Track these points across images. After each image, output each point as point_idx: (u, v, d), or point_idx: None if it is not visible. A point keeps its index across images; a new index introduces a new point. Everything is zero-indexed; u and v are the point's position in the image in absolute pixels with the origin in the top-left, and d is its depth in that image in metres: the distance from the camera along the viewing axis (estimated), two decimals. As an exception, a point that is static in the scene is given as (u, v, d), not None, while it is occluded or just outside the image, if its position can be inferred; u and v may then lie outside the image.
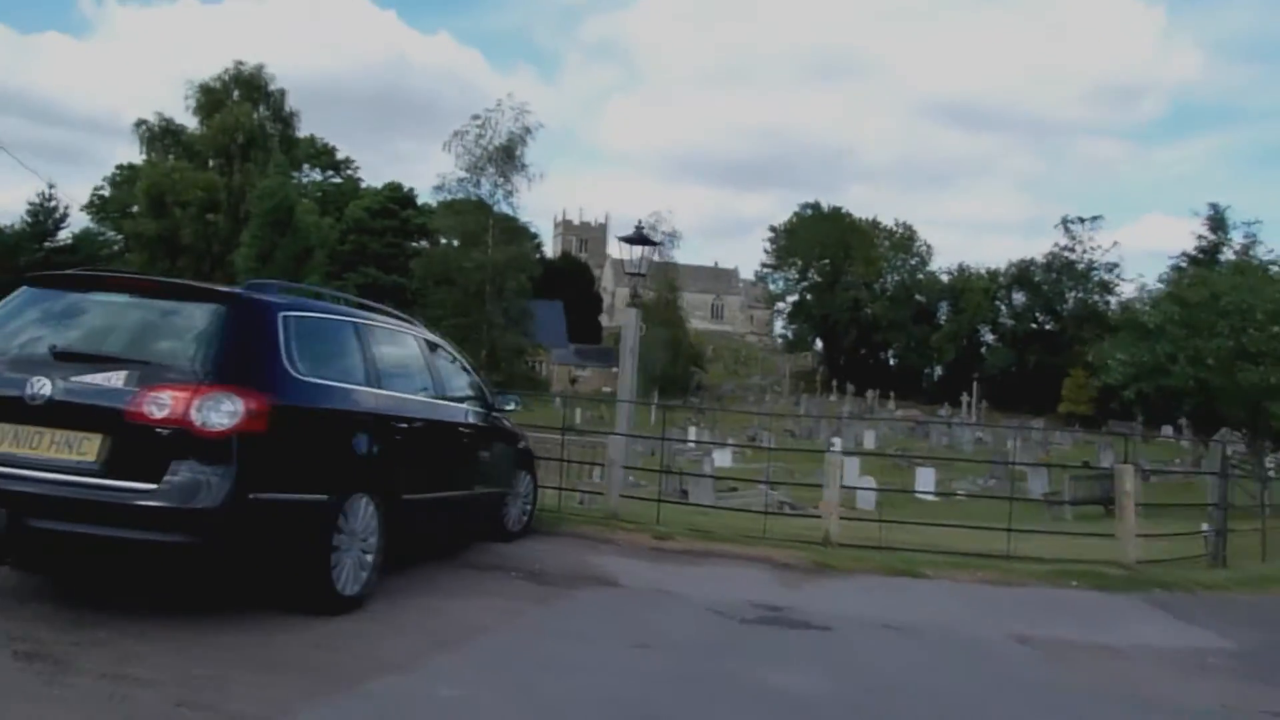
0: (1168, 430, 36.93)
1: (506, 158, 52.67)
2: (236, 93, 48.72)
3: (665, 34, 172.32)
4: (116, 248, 58.84)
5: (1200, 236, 56.45)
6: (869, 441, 46.25)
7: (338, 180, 79.04)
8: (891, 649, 5.90)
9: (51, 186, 48.39)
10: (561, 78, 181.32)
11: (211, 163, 46.85)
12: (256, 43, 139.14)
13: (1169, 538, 12.84)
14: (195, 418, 4.61)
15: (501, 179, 53.15)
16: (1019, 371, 68.30)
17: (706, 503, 21.57)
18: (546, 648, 5.21)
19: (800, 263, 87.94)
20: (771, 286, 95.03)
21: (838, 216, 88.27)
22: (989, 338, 75.12)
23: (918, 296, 78.99)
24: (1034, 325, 70.87)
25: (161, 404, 4.59)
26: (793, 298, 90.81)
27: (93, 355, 4.83)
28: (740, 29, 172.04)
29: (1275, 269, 25.68)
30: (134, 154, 51.29)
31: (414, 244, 67.46)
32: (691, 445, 39.84)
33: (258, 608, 5.24)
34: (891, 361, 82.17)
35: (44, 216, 57.38)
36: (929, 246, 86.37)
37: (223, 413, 4.66)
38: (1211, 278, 22.03)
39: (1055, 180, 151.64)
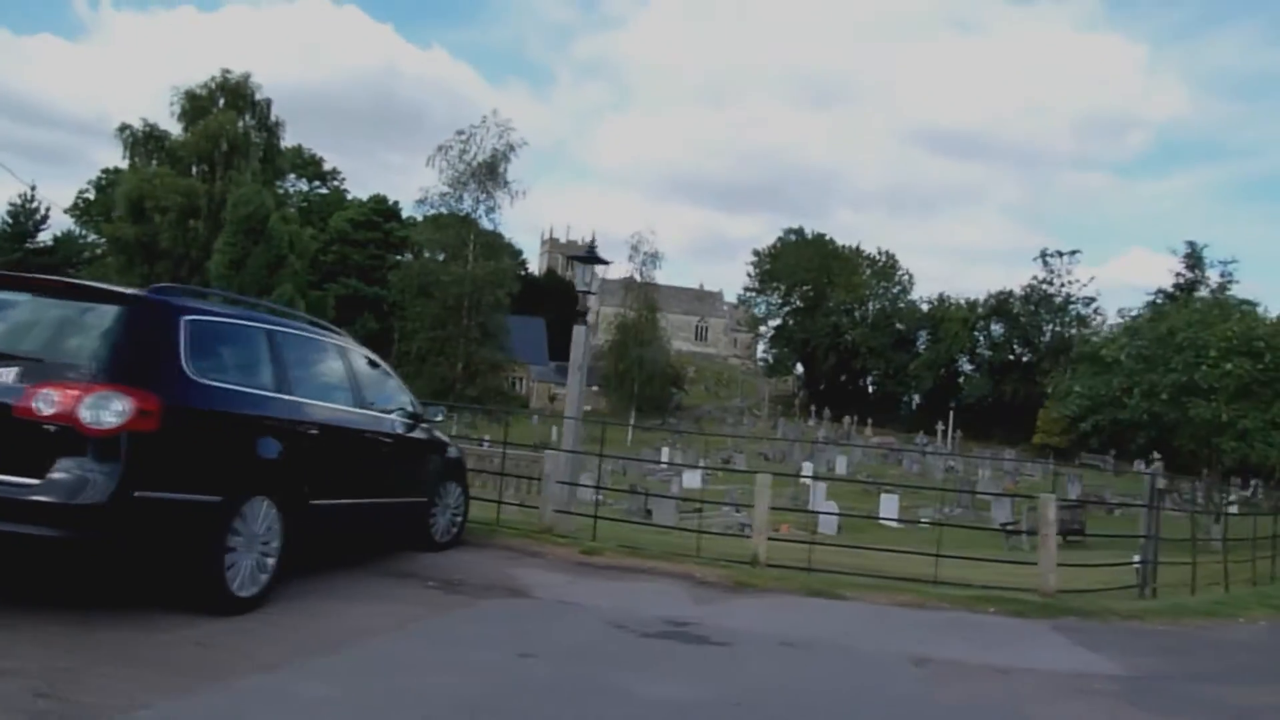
0: (1139, 464, 37.43)
1: (489, 174, 53.01)
2: (222, 101, 48.84)
3: (657, 54, 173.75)
4: (99, 251, 58.77)
5: (1178, 274, 57.15)
6: (841, 467, 46.41)
7: (323, 191, 79.11)
8: (780, 664, 6.00)
9: (33, 188, 48.31)
10: (553, 95, 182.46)
11: (194, 170, 46.86)
12: (252, 52, 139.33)
13: (1110, 567, 13.12)
14: (83, 415, 4.71)
15: (484, 195, 53.48)
16: (995, 402, 68.72)
17: (669, 523, 21.66)
18: (427, 653, 5.30)
19: (783, 287, 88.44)
20: (755, 310, 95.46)
21: (821, 242, 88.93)
22: (967, 367, 75.60)
23: (898, 325, 79.50)
24: (1011, 356, 71.41)
25: (50, 401, 4.69)
26: (775, 322, 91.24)
27: (-15, 352, 4.93)
28: (732, 52, 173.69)
29: (1250, 307, 25.99)
30: (120, 158, 51.33)
31: (397, 257, 67.52)
32: (663, 466, 39.97)
33: (150, 605, 5.33)
34: (870, 388, 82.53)
35: (24, 218, 57.34)
36: (910, 275, 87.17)
37: (111, 411, 4.76)
38: (1169, 313, 22.38)
39: (1041, 211, 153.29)
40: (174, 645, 4.78)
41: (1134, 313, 29.47)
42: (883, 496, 29.81)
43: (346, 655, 5.02)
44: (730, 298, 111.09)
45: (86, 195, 71.52)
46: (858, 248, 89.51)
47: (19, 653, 4.25)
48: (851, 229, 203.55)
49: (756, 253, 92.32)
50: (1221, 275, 51.81)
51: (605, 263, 12.70)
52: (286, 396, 6.04)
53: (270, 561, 5.76)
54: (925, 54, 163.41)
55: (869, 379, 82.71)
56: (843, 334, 79.76)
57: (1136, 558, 11.64)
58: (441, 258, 55.60)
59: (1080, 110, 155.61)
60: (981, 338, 74.57)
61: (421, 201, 56.58)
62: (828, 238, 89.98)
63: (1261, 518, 17.40)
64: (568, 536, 10.15)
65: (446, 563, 8.15)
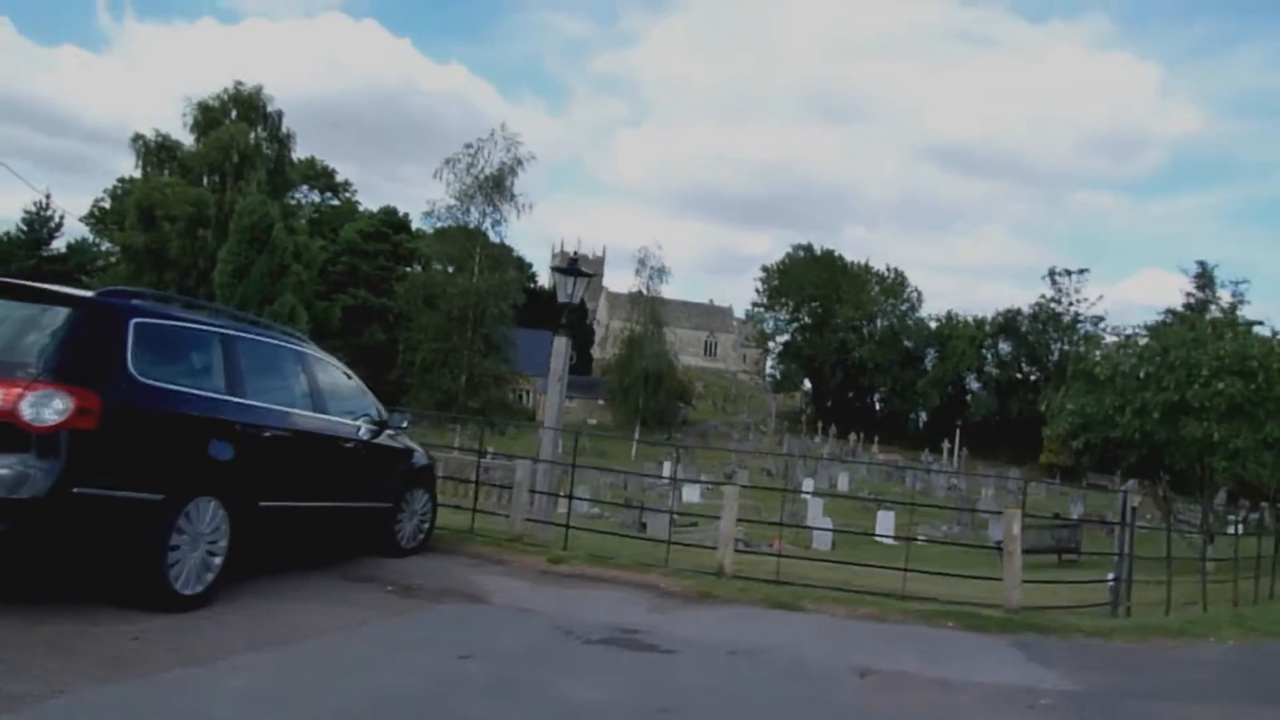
0: (1147, 483, 37.18)
1: (496, 187, 53.35)
2: (234, 112, 49.38)
3: (672, 70, 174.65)
4: (114, 259, 59.31)
5: (1189, 294, 56.90)
6: (843, 484, 46.36)
7: (335, 202, 79.69)
8: (720, 672, 6.05)
9: (47, 196, 48.88)
10: (569, 110, 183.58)
11: (205, 180, 47.36)
12: (271, 64, 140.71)
13: (1090, 585, 13.13)
14: (25, 412, 4.83)
15: (490, 208, 53.81)
16: (1002, 420, 68.43)
17: (662, 536, 21.79)
18: (366, 652, 5.38)
19: (791, 304, 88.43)
20: (763, 326, 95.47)
21: (829, 259, 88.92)
22: (974, 385, 75.35)
23: (905, 342, 79.35)
24: (1019, 375, 71.21)
25: (-7, 398, 4.81)
26: (783, 338, 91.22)
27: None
28: (746, 68, 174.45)
29: (1245, 327, 25.90)
30: (133, 168, 51.89)
31: (406, 268, 67.92)
32: (662, 480, 40.00)
33: (98, 601, 5.44)
34: (878, 405, 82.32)
35: (39, 226, 57.98)
36: (919, 292, 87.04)
37: (52, 409, 4.87)
38: (1164, 332, 22.34)
39: (1053, 230, 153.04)
40: (112, 639, 4.88)
41: (1128, 331, 29.54)
42: (879, 513, 29.74)
43: (282, 652, 5.10)
44: (740, 313, 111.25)
45: (102, 204, 72.26)
46: (867, 264, 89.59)
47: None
48: (863, 245, 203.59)
49: (765, 269, 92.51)
50: (1233, 295, 51.60)
51: (587, 275, 12.80)
52: (238, 399, 6.14)
53: (217, 561, 5.85)
54: (938, 72, 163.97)
55: (876, 396, 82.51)
56: (850, 351, 79.64)
57: (1110, 576, 11.60)
58: (450, 270, 55.97)
59: (1092, 129, 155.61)
60: (989, 356, 74.38)
61: (429, 214, 57.06)
62: (836, 254, 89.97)
63: (1246, 539, 17.30)
64: (537, 545, 10.22)
65: (410, 568, 8.23)
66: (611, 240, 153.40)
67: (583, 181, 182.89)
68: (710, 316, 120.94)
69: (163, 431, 5.54)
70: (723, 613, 8.18)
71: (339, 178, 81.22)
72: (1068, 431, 21.51)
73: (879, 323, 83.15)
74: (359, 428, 7.84)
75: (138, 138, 48.42)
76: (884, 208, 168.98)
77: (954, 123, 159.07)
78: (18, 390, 4.86)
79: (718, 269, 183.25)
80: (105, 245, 65.12)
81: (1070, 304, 69.43)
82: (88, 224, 67.92)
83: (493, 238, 56.38)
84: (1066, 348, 67.80)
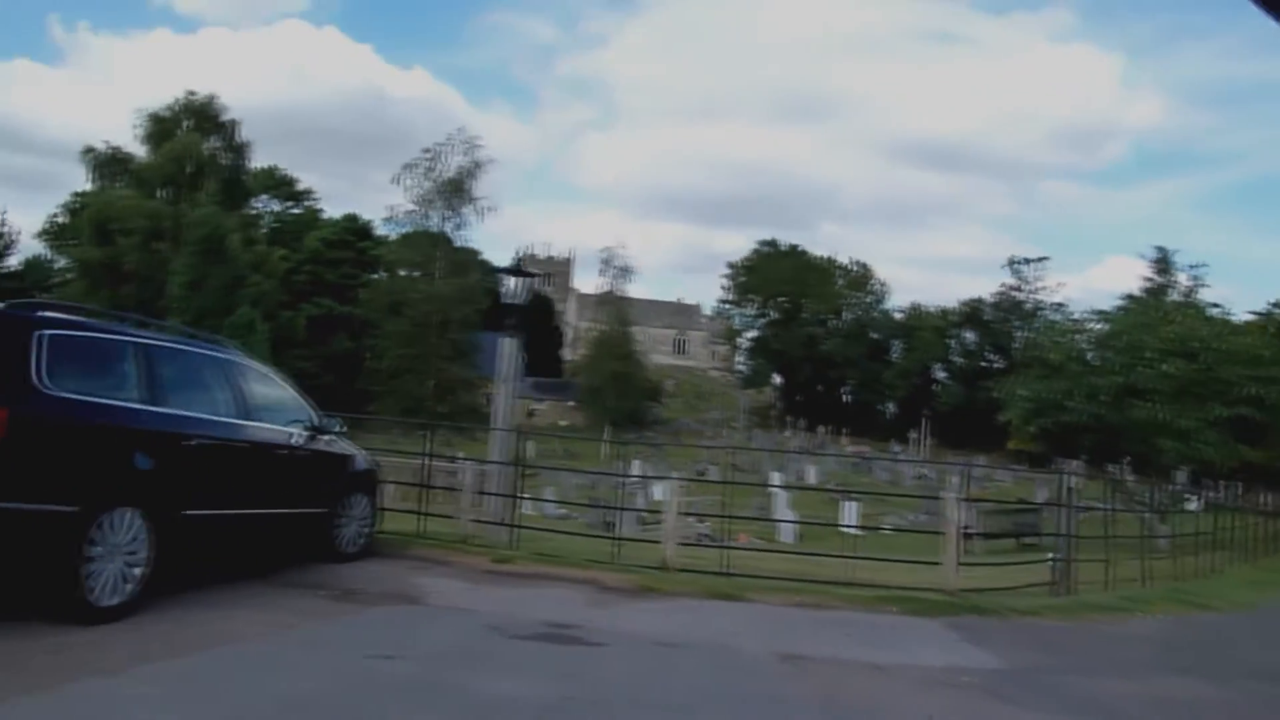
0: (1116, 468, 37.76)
1: (455, 191, 53.20)
2: (188, 122, 48.84)
3: (639, 72, 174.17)
4: (70, 275, 58.48)
5: (1148, 279, 57.69)
6: (811, 476, 46.58)
7: (297, 211, 78.91)
8: (644, 664, 6.11)
9: (2, 213, 48.08)
10: (538, 114, 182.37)
11: (160, 192, 46.80)
12: (231, 73, 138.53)
13: (1040, 566, 13.30)
14: (-72, 428, 4.80)
15: (450, 212, 53.65)
16: (970, 409, 69.04)
17: (629, 535, 21.89)
18: (285, 656, 5.40)
19: (759, 299, 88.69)
20: (732, 323, 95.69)
21: (795, 254, 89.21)
22: (941, 375, 76.01)
23: (872, 334, 79.87)
24: (984, 364, 71.82)
25: (-105, 413, 4.79)
26: (752, 334, 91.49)
27: None
28: (714, 68, 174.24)
29: (1193, 310, 26.40)
30: (85, 181, 51.16)
31: (371, 275, 67.47)
32: (632, 479, 40.05)
33: (20, 614, 5.41)
34: (847, 398, 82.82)
35: (-8, 243, 56.98)
36: (885, 284, 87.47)
37: (-45, 424, 4.85)
38: (1114, 318, 22.72)
39: (1022, 221, 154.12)
40: (26, 652, 4.87)
41: (1076, 316, 30.03)
42: (843, 504, 29.91)
43: (194, 659, 5.11)
44: (709, 310, 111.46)
45: (58, 219, 71.19)
46: (832, 258, 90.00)
47: None
48: (837, 241, 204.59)
49: (731, 265, 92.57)
50: (1191, 279, 52.41)
51: (532, 275, 12.83)
52: (157, 409, 6.13)
53: (137, 571, 5.84)
54: (905, 68, 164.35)
55: (845, 389, 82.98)
56: (818, 344, 79.99)
57: (1050, 555, 11.80)
58: (417, 275, 55.72)
59: (1058, 121, 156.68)
60: (955, 346, 75.06)
61: (389, 219, 56.85)
62: (800, 249, 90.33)
63: (1186, 517, 17.70)
64: (486, 547, 10.25)
65: (349, 573, 8.23)
66: (585, 242, 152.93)
67: (554, 185, 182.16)
68: (680, 315, 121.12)
69: (74, 443, 5.52)
70: (661, 606, 8.25)
71: (300, 186, 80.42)
72: (1022, 417, 21.83)
73: (846, 316, 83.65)
74: (291, 434, 7.83)
75: (89, 150, 47.81)
76: (857, 204, 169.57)
77: (923, 119, 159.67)
78: (-80, 405, 4.84)
79: (692, 268, 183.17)
80: (62, 262, 64.19)
81: (1031, 292, 70.33)
82: (44, 240, 66.99)
83: (456, 242, 56.28)
84: (1029, 335, 68.60)
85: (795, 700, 5.56)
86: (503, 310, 12.73)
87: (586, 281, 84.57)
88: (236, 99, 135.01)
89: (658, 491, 36.56)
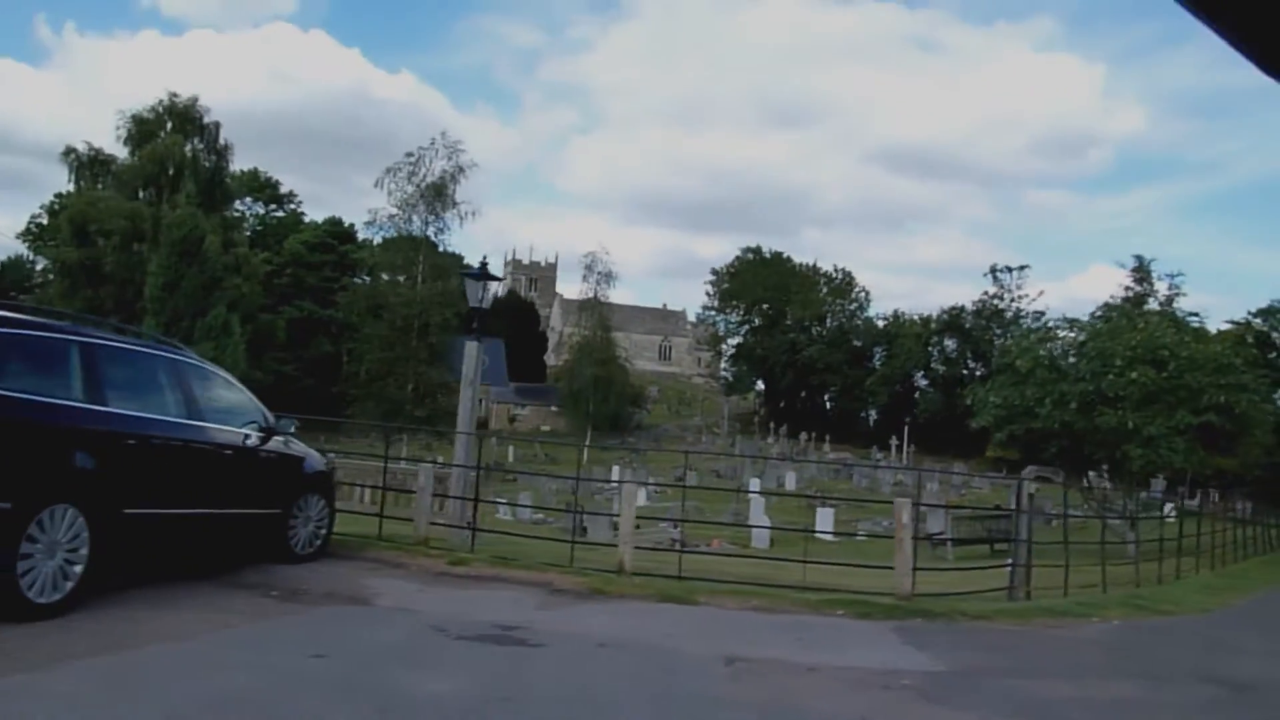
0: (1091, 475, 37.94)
1: (437, 195, 53.21)
2: (170, 124, 48.64)
3: (623, 77, 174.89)
4: (50, 276, 58.11)
5: (1127, 288, 58.02)
6: (790, 483, 46.72)
7: (280, 214, 78.71)
8: (582, 664, 6.15)
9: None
10: (521, 118, 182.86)
11: (141, 193, 46.58)
12: (217, 76, 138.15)
13: (1001, 570, 13.39)
14: None
15: (432, 216, 53.67)
16: (950, 416, 69.35)
17: (603, 540, 21.94)
18: (214, 655, 5.41)
19: (742, 306, 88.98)
20: (715, 329, 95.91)
21: (779, 261, 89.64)
22: (922, 383, 76.33)
23: (854, 341, 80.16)
24: (965, 371, 72.16)
25: None
26: (735, 340, 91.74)
27: None
28: (697, 74, 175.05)
29: (1159, 317, 26.62)
30: (68, 183, 50.76)
31: (353, 279, 67.36)
32: (610, 485, 40.08)
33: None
34: (829, 405, 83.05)
35: (-29, 244, 56.59)
36: (867, 291, 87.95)
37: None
38: (1085, 326, 22.93)
39: (1005, 229, 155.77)
40: (-49, 650, 4.87)
41: (1050, 324, 30.20)
42: (819, 510, 30.04)
43: (125, 657, 5.12)
44: (693, 317, 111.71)
45: (40, 220, 70.78)
46: (815, 265, 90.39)
47: None
48: (819, 247, 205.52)
49: (715, 271, 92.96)
50: (1169, 288, 52.70)
51: (497, 279, 12.88)
52: (97, 407, 6.14)
53: (76, 569, 5.85)
54: (889, 76, 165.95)
55: (827, 396, 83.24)
56: (800, 351, 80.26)
57: (1009, 560, 11.90)
58: (402, 279, 55.63)
59: (1041, 129, 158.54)
60: (936, 353, 75.41)
61: (370, 223, 56.82)
62: (785, 256, 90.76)
63: (1154, 524, 17.86)
64: (444, 549, 10.27)
65: (301, 574, 8.24)
66: (568, 246, 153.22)
67: (537, 189, 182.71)
68: (664, 321, 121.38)
69: (11, 440, 5.53)
70: (610, 608, 8.29)
71: (284, 189, 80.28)
72: (991, 424, 21.99)
73: (828, 323, 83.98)
74: (243, 434, 7.84)
75: (69, 151, 47.55)
76: (839, 210, 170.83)
77: (906, 126, 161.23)
78: None
79: (674, 273, 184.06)
80: (42, 263, 63.80)
81: (1012, 300, 70.78)
82: (24, 241, 66.56)
83: (440, 246, 56.27)
84: (1002, 342, 68.98)
85: (726, 700, 5.60)
86: (469, 314, 12.78)
87: (571, 286, 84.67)
88: (223, 101, 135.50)
89: (636, 496, 36.74)
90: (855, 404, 79.38)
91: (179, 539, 7.14)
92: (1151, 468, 21.06)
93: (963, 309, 72.81)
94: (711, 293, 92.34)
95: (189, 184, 41.09)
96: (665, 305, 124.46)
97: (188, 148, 48.22)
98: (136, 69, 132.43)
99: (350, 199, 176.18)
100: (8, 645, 5.03)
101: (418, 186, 53.18)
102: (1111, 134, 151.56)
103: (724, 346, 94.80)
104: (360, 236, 65.70)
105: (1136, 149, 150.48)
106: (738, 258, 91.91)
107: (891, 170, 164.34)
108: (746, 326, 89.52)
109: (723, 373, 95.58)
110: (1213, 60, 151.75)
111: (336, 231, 71.61)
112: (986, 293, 72.08)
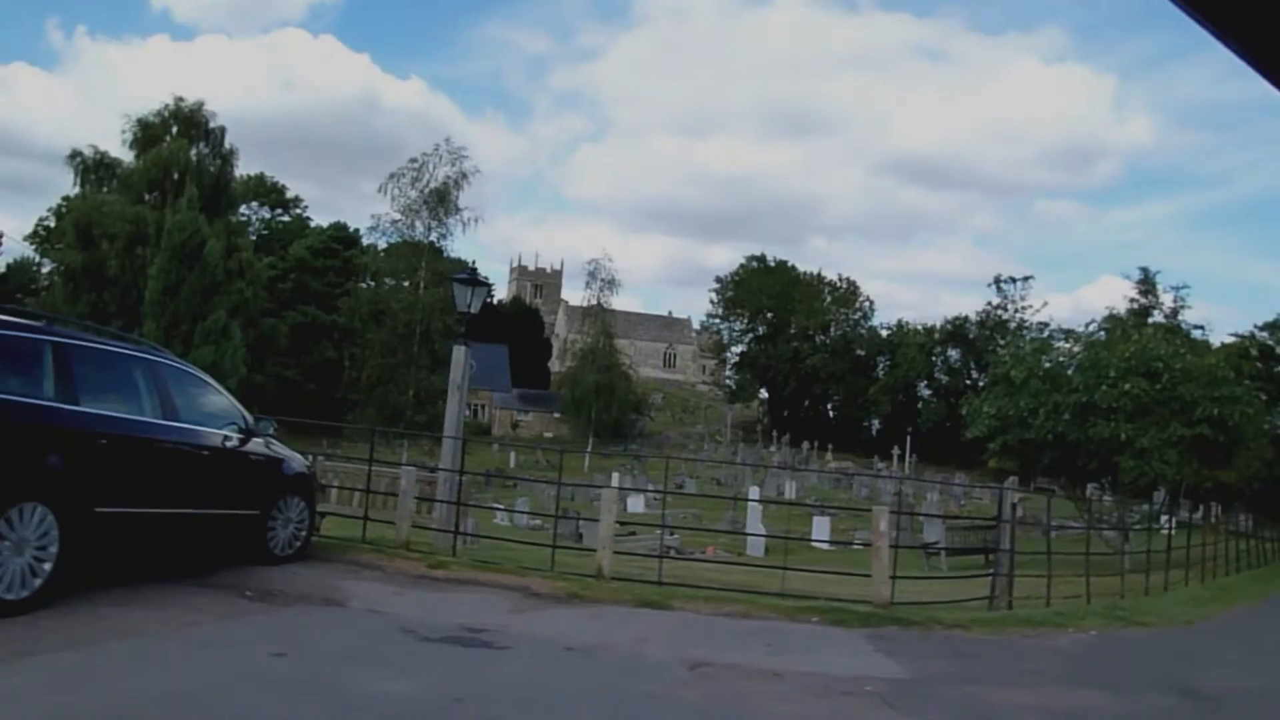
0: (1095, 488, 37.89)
1: (440, 200, 53.41)
2: (175, 129, 48.87)
3: (633, 85, 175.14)
4: (57, 278, 58.37)
5: (1132, 299, 58.01)
6: (790, 491, 46.72)
7: (285, 219, 79.07)
8: (545, 667, 6.21)
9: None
10: (530, 125, 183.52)
11: (146, 197, 46.78)
12: (227, 81, 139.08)
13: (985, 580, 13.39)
14: None
15: (435, 221, 53.86)
16: (953, 426, 69.27)
17: (592, 546, 21.96)
18: (172, 653, 5.48)
19: (746, 314, 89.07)
20: (719, 337, 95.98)
21: (783, 269, 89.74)
22: (925, 393, 76.26)
23: (858, 350, 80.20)
24: (968, 381, 72.08)
25: None
26: (739, 348, 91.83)
27: None
28: (707, 83, 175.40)
29: (1152, 329, 26.63)
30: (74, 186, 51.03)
31: (359, 284, 67.60)
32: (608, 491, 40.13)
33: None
34: (832, 414, 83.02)
35: (-22, 248, 56.98)
36: (871, 301, 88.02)
37: None
38: (1080, 337, 22.96)
39: (1013, 239, 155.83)
40: (-86, 646, 4.95)
41: (1044, 335, 30.19)
42: (815, 519, 30.06)
43: (85, 653, 5.19)
44: (698, 324, 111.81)
45: (47, 223, 71.15)
46: (819, 274, 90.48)
47: None
48: (825, 256, 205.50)
49: (719, 279, 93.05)
50: (1175, 300, 52.72)
51: (486, 284, 12.96)
52: (69, 407, 6.22)
53: (46, 566, 5.92)
54: (897, 85, 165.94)
55: (830, 405, 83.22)
56: (803, 360, 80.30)
57: (991, 570, 11.92)
58: (405, 284, 55.83)
59: (1050, 140, 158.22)
60: (939, 363, 75.35)
61: (373, 228, 57.06)
62: (789, 264, 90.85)
63: (1147, 536, 17.83)
64: (425, 553, 10.32)
65: (278, 575, 8.29)
66: (575, 253, 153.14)
67: (545, 196, 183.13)
68: (669, 328, 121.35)
69: (-22, 439, 5.62)
70: (585, 612, 8.34)
71: (290, 194, 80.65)
72: (984, 434, 22.00)
73: (832, 332, 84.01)
74: (222, 436, 7.92)
75: (75, 155, 47.78)
76: (847, 220, 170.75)
77: (915, 136, 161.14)
78: None
79: (681, 281, 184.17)
80: (48, 266, 64.10)
81: (1016, 310, 70.76)
82: (32, 244, 66.90)
83: (444, 252, 56.43)
84: (997, 353, 68.83)
85: (683, 704, 5.65)
86: (458, 319, 12.86)
87: (576, 293, 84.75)
88: (233, 106, 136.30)
89: (631, 504, 36.78)
90: (858, 413, 79.38)
91: (154, 538, 7.21)
92: (1143, 479, 21.02)
93: (966, 319, 72.85)
94: (716, 300, 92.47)
95: (192, 188, 41.23)
96: (671, 313, 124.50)
97: (192, 152, 48.39)
98: (147, 74, 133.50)
99: (358, 204, 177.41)
100: (-23, 640, 5.11)
101: (421, 192, 53.48)
102: (1121, 146, 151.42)
103: (728, 354, 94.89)
104: (364, 242, 65.94)
105: (1146, 161, 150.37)
106: (742, 265, 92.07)
107: (899, 180, 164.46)
108: (750, 334, 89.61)
109: (726, 380, 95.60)
110: (1222, 73, 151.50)
111: (341, 236, 71.89)
112: (990, 303, 72.11)
